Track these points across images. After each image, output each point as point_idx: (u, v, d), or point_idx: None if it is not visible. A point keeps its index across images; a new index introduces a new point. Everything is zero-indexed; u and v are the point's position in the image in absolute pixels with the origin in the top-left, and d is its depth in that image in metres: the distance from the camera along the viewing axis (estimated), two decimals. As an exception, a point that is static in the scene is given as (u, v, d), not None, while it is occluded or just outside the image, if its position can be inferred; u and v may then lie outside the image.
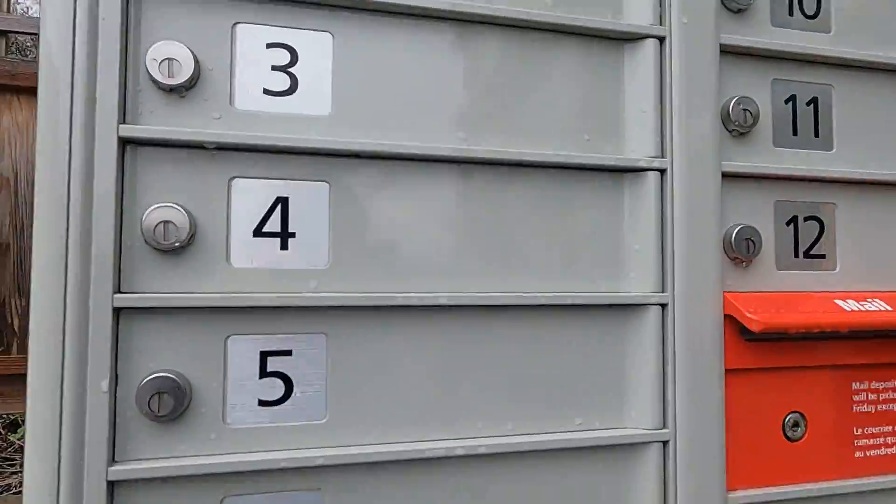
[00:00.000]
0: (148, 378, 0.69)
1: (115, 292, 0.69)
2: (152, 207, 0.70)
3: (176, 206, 0.71)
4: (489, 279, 0.81)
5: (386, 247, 0.78)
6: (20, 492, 2.78)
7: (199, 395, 0.72)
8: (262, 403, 0.74)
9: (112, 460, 0.69)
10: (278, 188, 0.75)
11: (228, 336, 0.73)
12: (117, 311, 0.69)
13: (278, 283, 0.75)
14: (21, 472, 3.04)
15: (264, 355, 0.74)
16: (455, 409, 0.79)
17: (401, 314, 0.78)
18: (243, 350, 0.74)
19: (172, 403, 0.69)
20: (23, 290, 2.51)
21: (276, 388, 0.74)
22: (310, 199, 0.76)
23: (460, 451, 0.77)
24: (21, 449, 3.17)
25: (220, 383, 0.73)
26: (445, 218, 0.80)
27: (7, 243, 2.51)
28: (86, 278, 0.68)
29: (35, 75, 2.36)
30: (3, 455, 3.11)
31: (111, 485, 0.68)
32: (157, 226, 0.70)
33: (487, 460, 0.79)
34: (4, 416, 3.24)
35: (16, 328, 2.50)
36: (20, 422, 3.31)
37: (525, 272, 0.82)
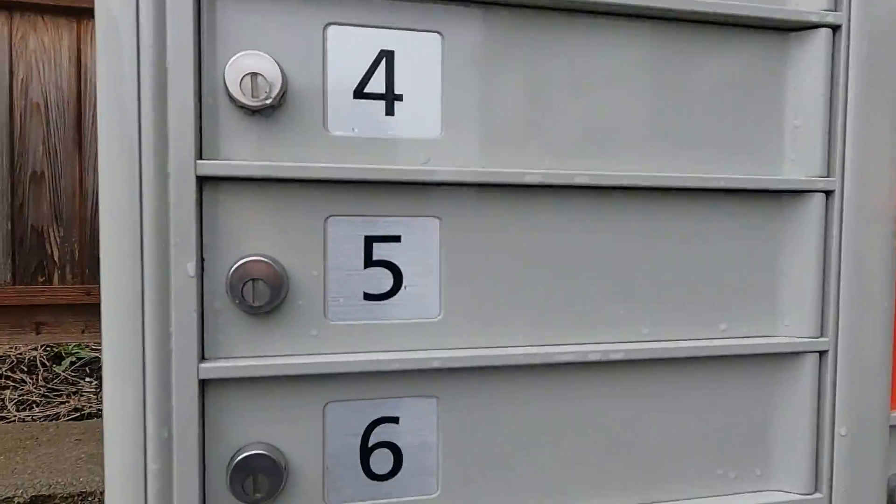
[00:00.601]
0: (240, 262, 0.58)
1: (197, 159, 0.57)
2: (238, 55, 0.57)
3: (265, 55, 0.58)
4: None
5: (506, 112, 0.65)
6: (70, 419, 2.81)
7: (296, 286, 0.61)
8: (367, 297, 0.63)
9: (202, 357, 0.59)
10: (382, 38, 0.62)
11: (328, 216, 0.62)
12: (201, 181, 0.58)
13: (383, 155, 0.62)
14: (68, 401, 3.08)
15: (369, 241, 0.63)
16: (585, 310, 0.68)
17: (529, 194, 0.65)
18: (346, 233, 0.62)
19: (268, 293, 0.58)
20: (61, 219, 2.44)
21: (383, 280, 0.63)
22: (420, 53, 0.63)
23: (594, 357, 0.66)
24: (67, 380, 3.20)
25: (321, 272, 0.62)
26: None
27: (42, 171, 2.43)
28: (163, 144, 0.56)
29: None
30: (49, 386, 3.15)
31: (202, 384, 0.58)
32: (243, 78, 0.57)
33: (622, 367, 0.68)
34: (49, 346, 3.27)
35: (56, 259, 2.45)
36: (63, 354, 3.34)
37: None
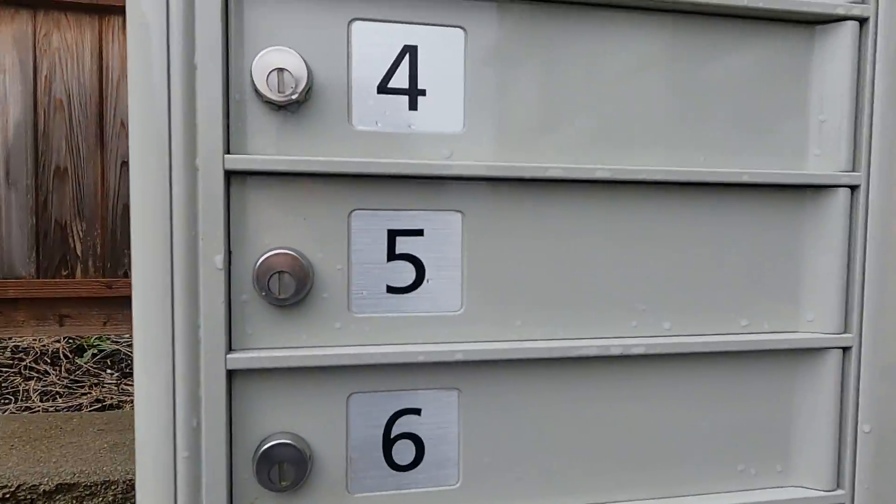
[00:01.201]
0: (266, 255, 0.59)
1: (224, 153, 0.58)
2: (265, 51, 0.58)
3: (291, 51, 0.59)
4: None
5: (528, 106, 0.65)
6: (92, 410, 2.87)
7: (321, 279, 0.62)
8: (390, 290, 0.64)
9: (229, 348, 0.60)
10: (406, 34, 0.62)
11: (352, 210, 0.62)
12: (228, 176, 0.59)
13: (406, 149, 0.63)
14: (90, 392, 3.14)
15: (392, 234, 0.63)
16: (606, 304, 0.68)
17: (550, 188, 0.65)
18: (368, 227, 0.63)
19: (294, 285, 0.59)
20: (83, 214, 2.49)
21: (405, 273, 0.64)
22: (443, 48, 0.63)
23: (616, 351, 0.66)
24: (89, 371, 3.26)
25: (345, 265, 0.62)
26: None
27: (65, 167, 2.47)
28: (192, 139, 0.57)
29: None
30: (72, 377, 3.22)
31: (229, 375, 0.59)
32: (270, 73, 0.58)
33: (643, 362, 0.68)
34: (71, 339, 3.33)
35: (78, 252, 2.50)
36: (85, 346, 3.41)
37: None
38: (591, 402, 0.68)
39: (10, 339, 3.27)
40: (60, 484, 1.77)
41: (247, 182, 0.60)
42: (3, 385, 3.10)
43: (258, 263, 0.59)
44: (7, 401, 2.97)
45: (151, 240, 0.57)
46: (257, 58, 0.58)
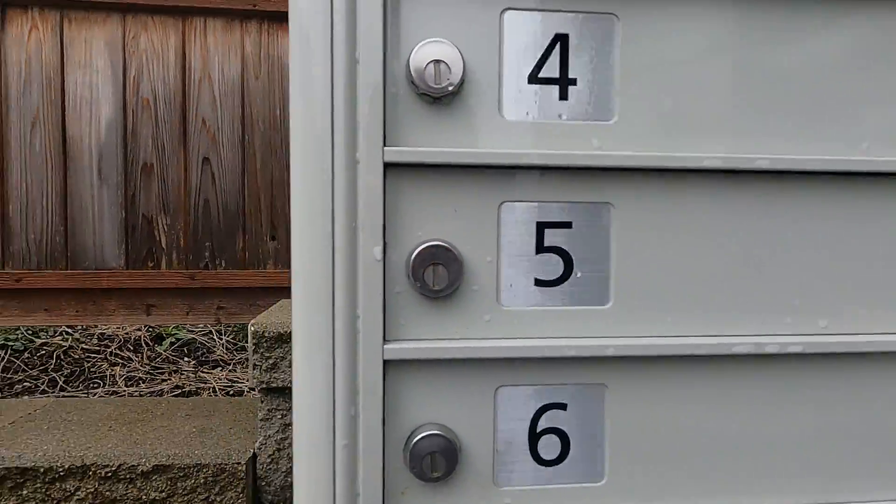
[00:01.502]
0: (422, 246, 0.60)
1: (384, 146, 0.58)
2: (422, 43, 0.58)
3: (447, 42, 0.58)
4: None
5: (681, 95, 0.63)
6: (173, 395, 3.01)
7: (471, 271, 0.62)
8: (538, 283, 0.63)
9: (384, 339, 0.61)
10: (557, 22, 0.61)
11: (502, 203, 0.62)
12: (385, 168, 0.59)
13: (556, 140, 0.62)
14: (169, 379, 3.29)
15: (541, 227, 0.63)
16: (759, 300, 0.65)
17: (706, 179, 0.63)
18: (517, 219, 0.62)
19: (447, 277, 0.60)
20: (167, 209, 2.60)
21: (554, 266, 0.63)
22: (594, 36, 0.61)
23: (772, 349, 0.64)
24: (168, 359, 3.42)
25: (494, 257, 0.62)
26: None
27: (151, 163, 2.58)
28: (353, 133, 0.58)
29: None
30: (153, 364, 3.38)
31: (385, 365, 0.60)
32: (427, 65, 0.58)
33: (799, 360, 0.65)
34: (151, 328, 3.50)
35: (163, 245, 2.61)
36: (164, 335, 3.57)
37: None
38: (745, 401, 0.65)
39: (96, 327, 3.46)
40: (157, 465, 1.86)
41: (401, 174, 0.60)
42: (91, 370, 3.29)
43: (413, 255, 0.60)
44: (96, 384, 3.15)
45: (313, 232, 0.58)
46: (415, 50, 0.58)
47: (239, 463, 1.81)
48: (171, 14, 2.57)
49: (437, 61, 0.58)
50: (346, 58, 0.57)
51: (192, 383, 3.20)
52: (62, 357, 3.34)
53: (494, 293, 0.62)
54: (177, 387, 3.17)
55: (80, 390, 3.17)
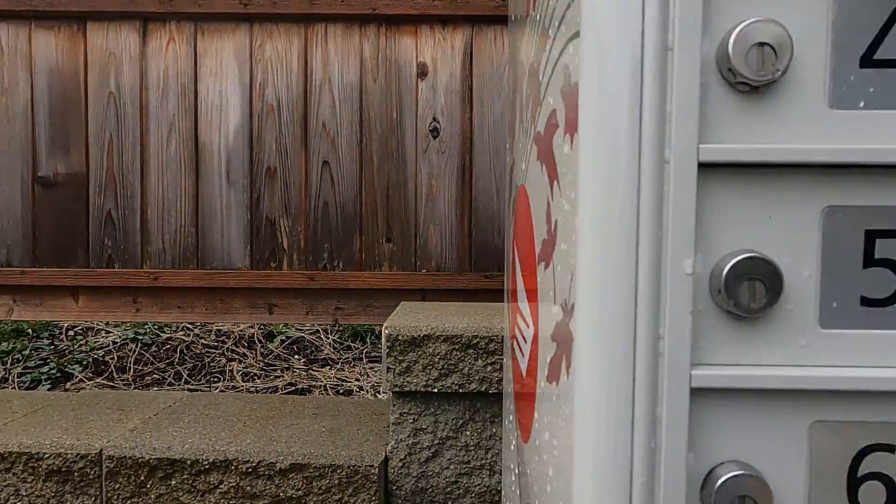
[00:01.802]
0: (736, 259, 0.52)
1: (699, 143, 0.51)
2: (746, 23, 0.50)
3: (773, 22, 0.50)
4: None
5: None
6: (286, 392, 3.09)
7: (787, 287, 0.53)
8: (865, 302, 0.53)
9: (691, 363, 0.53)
10: (901, -7, 0.51)
11: (825, 207, 0.53)
12: (699, 168, 0.52)
13: (893, 133, 0.52)
14: (282, 376, 3.38)
15: (871, 236, 0.53)
16: None
17: None
18: (843, 227, 0.53)
19: (766, 295, 0.51)
20: (289, 211, 2.66)
21: (885, 283, 0.53)
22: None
23: None
24: (279, 356, 3.53)
25: (814, 272, 0.53)
26: None
27: (274, 167, 2.65)
28: (662, 130, 0.51)
29: (283, 2, 2.39)
30: (266, 361, 3.49)
31: (691, 393, 0.53)
32: (750, 49, 0.50)
33: None
34: (263, 325, 3.62)
35: (285, 246, 2.68)
36: (274, 333, 3.69)
37: None
38: None
39: (214, 323, 3.63)
40: (294, 464, 1.89)
41: (712, 175, 0.53)
42: (211, 364, 3.45)
43: (727, 268, 0.52)
44: (217, 378, 3.30)
45: (614, 241, 0.52)
46: (736, 32, 0.50)
47: (372, 465, 1.80)
48: (294, 22, 2.64)
49: (761, 44, 0.50)
50: (657, 44, 0.50)
51: (303, 381, 3.28)
52: (185, 351, 3.53)
53: (813, 313, 0.53)
54: (290, 384, 3.26)
55: (203, 384, 3.32)
